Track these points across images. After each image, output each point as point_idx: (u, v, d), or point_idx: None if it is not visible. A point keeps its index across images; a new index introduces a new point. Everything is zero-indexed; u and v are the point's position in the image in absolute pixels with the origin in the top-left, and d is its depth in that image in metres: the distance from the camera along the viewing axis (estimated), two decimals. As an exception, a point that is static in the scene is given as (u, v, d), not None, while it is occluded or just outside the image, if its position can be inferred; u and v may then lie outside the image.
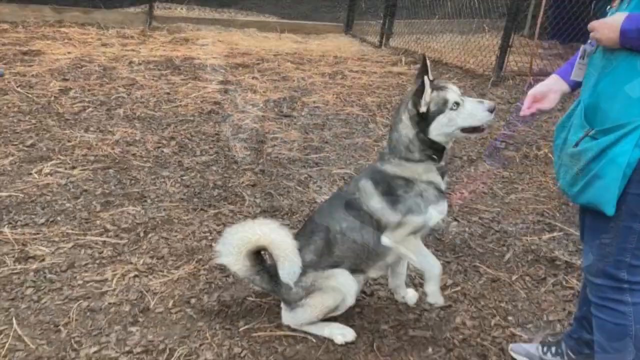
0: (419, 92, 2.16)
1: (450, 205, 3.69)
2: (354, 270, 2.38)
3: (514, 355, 2.38)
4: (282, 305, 2.47)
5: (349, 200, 2.35)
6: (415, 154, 2.24)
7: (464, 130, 2.20)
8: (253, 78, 6.53)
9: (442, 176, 2.31)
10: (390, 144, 2.30)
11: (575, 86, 2.05)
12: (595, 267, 1.85)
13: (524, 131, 5.14)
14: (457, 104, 2.17)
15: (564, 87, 2.05)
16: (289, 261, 2.30)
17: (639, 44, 1.64)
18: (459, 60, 7.55)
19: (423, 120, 2.18)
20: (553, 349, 2.31)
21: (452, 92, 2.19)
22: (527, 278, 2.96)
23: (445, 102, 2.16)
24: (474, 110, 2.18)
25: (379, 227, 2.30)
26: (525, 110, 2.10)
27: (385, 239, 2.30)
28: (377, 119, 5.34)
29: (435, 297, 2.39)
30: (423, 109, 2.17)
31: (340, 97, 5.98)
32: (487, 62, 7.03)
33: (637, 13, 1.64)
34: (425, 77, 2.15)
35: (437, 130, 2.19)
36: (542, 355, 2.32)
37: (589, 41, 1.85)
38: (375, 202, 2.29)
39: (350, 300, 2.37)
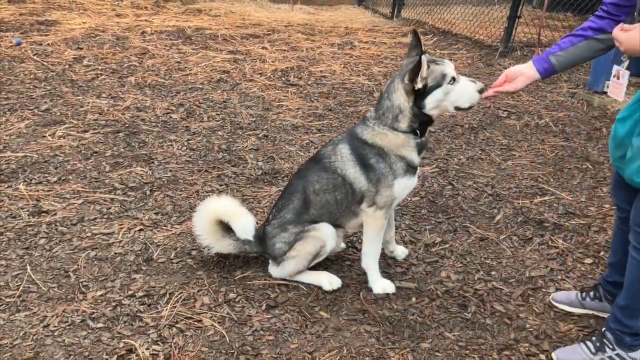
0: (416, 69, 2.20)
1: (446, 171, 3.81)
2: (333, 225, 2.53)
3: (556, 304, 2.53)
4: (270, 261, 2.63)
5: (325, 164, 2.48)
6: (402, 125, 2.32)
7: (457, 107, 2.29)
8: (263, 48, 6.62)
9: (420, 152, 2.40)
10: (379, 111, 2.37)
11: (547, 75, 2.19)
12: None
13: (527, 101, 5.20)
14: (454, 79, 2.24)
15: (536, 75, 2.20)
16: (241, 218, 2.54)
17: None
18: (469, 31, 7.54)
19: (420, 94, 2.24)
20: (592, 294, 2.46)
21: (450, 68, 2.26)
22: (514, 238, 3.08)
23: (444, 76, 2.23)
24: (468, 89, 2.26)
25: (353, 192, 2.44)
26: (489, 91, 2.27)
27: (364, 205, 2.46)
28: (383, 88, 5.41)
29: (372, 283, 2.59)
30: (419, 85, 2.22)
31: (348, 67, 6.06)
32: (497, 33, 7.02)
33: None
34: (423, 56, 2.19)
35: (433, 104, 2.26)
36: (581, 300, 2.47)
37: (622, 61, 1.98)
38: (349, 168, 2.42)
39: (330, 245, 2.52)
